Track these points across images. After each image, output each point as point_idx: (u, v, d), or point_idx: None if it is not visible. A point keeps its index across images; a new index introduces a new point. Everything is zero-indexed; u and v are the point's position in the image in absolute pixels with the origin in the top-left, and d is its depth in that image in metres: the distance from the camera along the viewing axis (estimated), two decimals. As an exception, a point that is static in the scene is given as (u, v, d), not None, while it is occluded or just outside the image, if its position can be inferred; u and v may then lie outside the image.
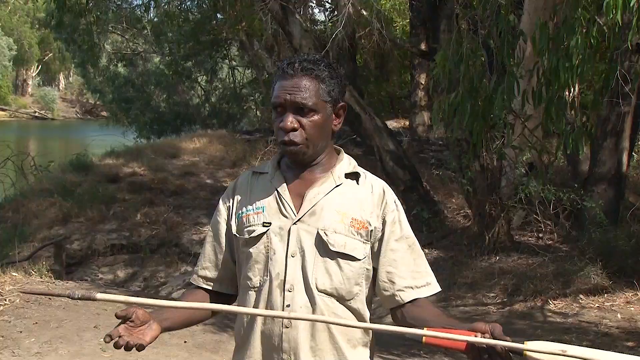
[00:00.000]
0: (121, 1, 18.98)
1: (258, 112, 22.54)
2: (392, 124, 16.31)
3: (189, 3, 20.07)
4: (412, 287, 2.27)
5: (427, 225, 10.10)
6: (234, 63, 24.46)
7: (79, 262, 11.01)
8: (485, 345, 1.90)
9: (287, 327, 2.19)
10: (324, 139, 2.29)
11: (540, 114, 6.97)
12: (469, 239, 9.31)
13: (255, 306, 2.22)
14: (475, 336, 1.91)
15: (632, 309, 7.58)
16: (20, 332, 5.88)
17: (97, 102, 69.63)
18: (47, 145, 28.20)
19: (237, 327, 2.33)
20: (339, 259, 2.22)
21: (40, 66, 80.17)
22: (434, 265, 8.92)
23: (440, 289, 2.32)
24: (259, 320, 2.23)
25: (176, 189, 12.99)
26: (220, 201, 2.49)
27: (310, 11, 20.25)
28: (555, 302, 7.75)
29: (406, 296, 2.26)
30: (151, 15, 20.96)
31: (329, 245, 2.21)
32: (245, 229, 2.31)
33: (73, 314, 6.43)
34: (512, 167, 8.79)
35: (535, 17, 6.68)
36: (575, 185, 9.33)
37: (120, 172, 13.59)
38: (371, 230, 2.27)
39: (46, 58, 78.97)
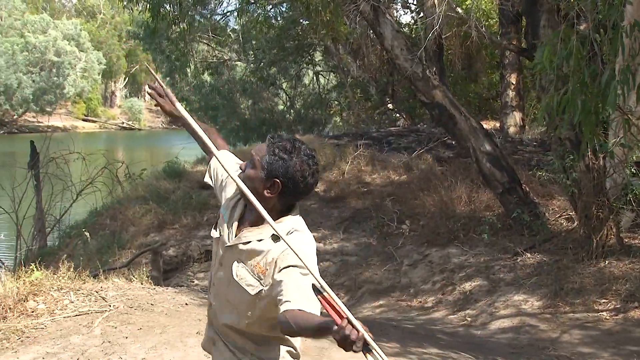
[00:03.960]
0: (208, 10, 19.13)
1: (344, 116, 22.38)
2: (482, 125, 15.92)
3: (273, 10, 20.10)
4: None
5: (528, 228, 9.72)
6: (318, 68, 24.42)
7: (175, 268, 11.07)
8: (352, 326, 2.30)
9: None
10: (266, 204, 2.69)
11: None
12: (574, 243, 8.90)
13: None
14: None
15: None
16: (126, 337, 5.83)
17: (182, 112, 70.90)
18: (137, 155, 28.78)
19: None
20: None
21: (127, 78, 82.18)
22: (537, 269, 8.61)
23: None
24: None
25: (268, 195, 12.91)
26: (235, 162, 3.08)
27: (396, 13, 20.04)
28: (673, 308, 7.31)
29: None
30: (237, 23, 21.11)
31: (234, 276, 2.82)
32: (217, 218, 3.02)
33: (175, 320, 6.37)
34: (622, 167, 8.34)
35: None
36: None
37: (212, 179, 13.65)
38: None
39: (133, 70, 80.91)
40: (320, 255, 10.82)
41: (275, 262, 2.73)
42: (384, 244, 10.97)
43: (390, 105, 20.70)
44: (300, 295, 2.58)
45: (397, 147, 14.93)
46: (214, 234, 2.96)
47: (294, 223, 2.82)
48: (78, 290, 6.75)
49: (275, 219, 2.71)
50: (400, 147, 14.87)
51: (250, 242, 2.79)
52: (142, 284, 7.63)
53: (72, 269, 7.11)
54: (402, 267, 10.13)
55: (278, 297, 2.64)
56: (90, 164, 14.24)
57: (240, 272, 2.80)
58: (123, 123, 73.90)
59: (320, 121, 23.97)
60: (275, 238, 2.73)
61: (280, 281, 2.66)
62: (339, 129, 22.28)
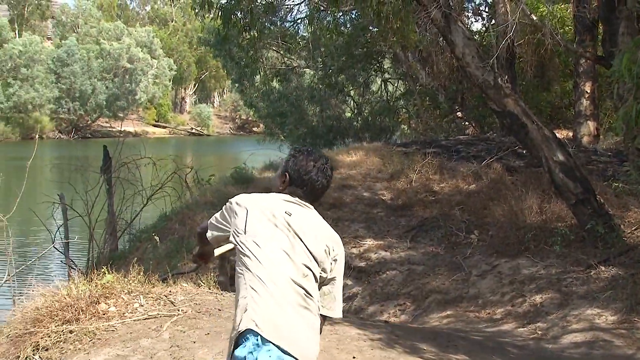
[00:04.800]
0: (278, 18, 19.26)
1: (412, 124, 22.25)
2: (554, 134, 15.61)
3: (342, 17, 20.13)
4: None
5: (602, 240, 9.45)
6: (386, 76, 24.37)
7: (247, 274, 11.12)
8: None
9: None
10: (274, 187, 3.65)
11: None
12: (652, 256, 8.62)
13: None
14: None
15: None
16: (194, 342, 5.88)
17: (250, 118, 71.82)
18: (205, 160, 29.09)
19: None
20: None
21: (197, 85, 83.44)
22: (612, 283, 8.36)
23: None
24: None
25: (334, 202, 12.92)
26: None
27: (467, 20, 19.84)
28: None
29: None
30: (306, 30, 21.20)
31: None
32: None
33: (243, 325, 6.39)
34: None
35: None
36: None
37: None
38: None
39: (202, 77, 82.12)
40: (387, 264, 10.77)
41: None
42: (451, 254, 10.83)
43: (459, 114, 20.50)
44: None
45: (466, 156, 14.75)
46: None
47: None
48: (147, 294, 6.83)
49: None
50: (469, 156, 14.69)
51: None
52: (209, 289, 7.69)
53: (141, 273, 7.20)
54: (470, 277, 9.98)
55: None
56: (160, 169, 14.45)
57: None
58: (192, 129, 75.10)
59: (388, 129, 23.89)
60: None
61: None
62: (407, 137, 22.17)
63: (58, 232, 12.52)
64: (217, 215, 3.52)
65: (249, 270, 3.15)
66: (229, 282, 10.27)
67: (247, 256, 3.16)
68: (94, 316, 6.25)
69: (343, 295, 10.23)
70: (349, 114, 25.65)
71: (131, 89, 66.71)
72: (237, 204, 3.38)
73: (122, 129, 59.98)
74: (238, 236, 3.26)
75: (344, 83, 23.72)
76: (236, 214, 3.33)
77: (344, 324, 7.05)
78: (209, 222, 3.57)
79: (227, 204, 3.44)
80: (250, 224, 3.27)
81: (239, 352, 3.01)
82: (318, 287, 3.31)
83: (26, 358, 5.73)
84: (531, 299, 8.80)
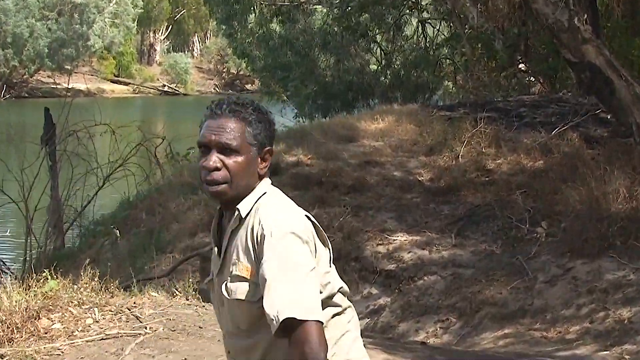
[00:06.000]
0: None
1: (458, 80, 22.21)
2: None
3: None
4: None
5: None
6: (425, 15, 24.29)
7: (230, 279, 11.20)
8: None
9: None
10: (247, 181, 3.01)
11: None
12: None
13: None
14: None
15: None
16: (166, 370, 5.94)
17: (242, 72, 71.80)
18: (182, 128, 29.13)
19: None
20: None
21: (170, 27, 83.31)
22: None
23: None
24: None
25: (354, 184, 12.94)
26: None
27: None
28: None
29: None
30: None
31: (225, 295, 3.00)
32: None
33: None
34: None
35: None
36: None
37: (281, 162, 13.70)
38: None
39: (178, 16, 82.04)
40: (424, 267, 10.82)
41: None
42: (511, 253, 10.85)
43: (522, 66, 20.44)
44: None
45: (531, 123, 14.73)
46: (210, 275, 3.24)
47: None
48: (104, 306, 6.89)
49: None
50: (535, 123, 14.67)
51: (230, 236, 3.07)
52: (187, 299, 7.75)
53: (97, 278, 7.25)
54: (536, 284, 10.01)
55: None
56: (121, 139, 14.47)
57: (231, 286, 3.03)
58: (164, 86, 75.14)
59: (426, 86, 23.88)
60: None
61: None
62: (452, 97, 22.13)
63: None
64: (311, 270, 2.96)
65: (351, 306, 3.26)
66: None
67: (341, 292, 3.21)
68: (33, 335, 6.31)
69: (366, 308, 10.32)
70: (375, 67, 25.61)
71: (82, 32, 66.62)
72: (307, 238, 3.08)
73: (69, 86, 59.92)
74: (328, 273, 3.17)
75: (368, 25, 23.67)
76: (316, 248, 3.12)
77: (367, 347, 7.10)
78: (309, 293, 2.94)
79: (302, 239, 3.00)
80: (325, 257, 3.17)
81: None
82: None
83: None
84: (616, 313, 8.83)
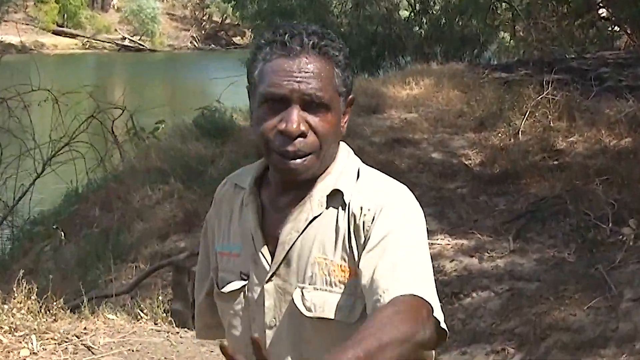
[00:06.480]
0: None
1: (518, 31, 22.21)
2: None
3: None
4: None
5: None
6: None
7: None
8: None
9: None
10: (334, 148, 2.79)
11: None
12: None
13: None
14: None
15: None
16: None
17: (229, 20, 71.89)
18: (148, 96, 29.22)
19: None
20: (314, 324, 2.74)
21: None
22: None
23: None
24: None
25: (380, 169, 12.89)
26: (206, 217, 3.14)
27: None
28: None
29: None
30: None
31: (303, 310, 2.73)
32: (219, 276, 2.94)
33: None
34: None
35: None
36: None
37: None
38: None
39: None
40: (473, 279, 10.83)
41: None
42: (588, 261, 10.85)
43: (603, 12, 20.42)
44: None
45: (615, 87, 14.73)
46: (232, 283, 2.90)
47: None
48: (45, 333, 6.90)
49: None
50: (620, 87, 14.66)
51: (303, 231, 2.77)
52: (156, 323, 7.76)
53: (34, 296, 7.25)
54: (622, 302, 10.01)
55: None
56: (67, 110, 14.48)
57: (313, 298, 2.75)
58: (124, 39, 75.18)
59: (475, 39, 23.87)
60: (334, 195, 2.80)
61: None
62: (510, 54, 22.14)
63: None
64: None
65: None
66: (190, 311, 10.36)
67: None
68: (-50, 371, 6.33)
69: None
70: (407, 13, 25.64)
71: (13, -33, 66.83)
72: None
73: (-1, 39, 60.21)
74: None
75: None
76: None
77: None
78: None
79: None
80: None
81: None
82: None
83: None
84: None
